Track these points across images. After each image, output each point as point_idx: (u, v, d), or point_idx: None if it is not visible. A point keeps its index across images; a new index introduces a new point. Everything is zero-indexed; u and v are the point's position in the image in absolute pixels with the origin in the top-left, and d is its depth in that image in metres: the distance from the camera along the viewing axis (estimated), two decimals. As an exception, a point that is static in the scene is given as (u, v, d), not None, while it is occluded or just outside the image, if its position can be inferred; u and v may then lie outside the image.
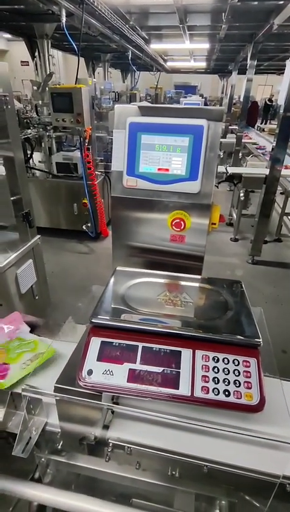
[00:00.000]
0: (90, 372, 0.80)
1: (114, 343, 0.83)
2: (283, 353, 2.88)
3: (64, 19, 3.80)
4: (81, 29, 3.80)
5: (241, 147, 7.15)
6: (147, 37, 6.20)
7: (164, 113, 1.10)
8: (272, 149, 3.75)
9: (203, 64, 10.81)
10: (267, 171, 4.01)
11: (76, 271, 4.06)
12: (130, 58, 7.47)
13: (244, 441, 0.84)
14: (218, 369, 0.79)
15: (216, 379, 0.78)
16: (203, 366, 0.79)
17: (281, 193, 5.12)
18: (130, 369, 0.79)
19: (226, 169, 4.82)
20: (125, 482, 1.11)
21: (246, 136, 7.80)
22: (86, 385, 0.79)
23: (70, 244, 4.73)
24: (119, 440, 1.01)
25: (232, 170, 4.84)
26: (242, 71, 7.64)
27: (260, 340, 0.82)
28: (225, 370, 0.79)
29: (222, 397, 0.76)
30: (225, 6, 3.99)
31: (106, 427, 1.01)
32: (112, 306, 0.94)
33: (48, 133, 4.60)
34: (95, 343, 0.84)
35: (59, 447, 1.09)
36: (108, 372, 0.79)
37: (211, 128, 1.07)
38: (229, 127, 8.86)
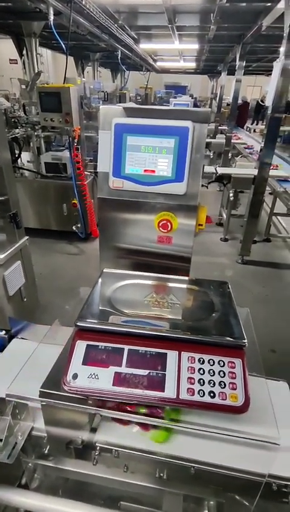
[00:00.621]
0: (75, 376, 0.79)
1: (100, 347, 0.82)
2: (272, 352, 2.91)
3: (52, 17, 3.77)
4: (69, 28, 3.77)
5: (230, 147, 7.21)
6: (136, 37, 6.19)
7: (150, 114, 1.10)
8: (261, 149, 3.79)
9: (192, 65, 10.86)
10: (256, 172, 4.05)
11: (65, 272, 4.03)
12: (119, 57, 7.45)
13: (230, 441, 0.84)
14: (203, 371, 0.79)
15: (202, 381, 0.78)
16: (189, 368, 0.79)
17: (269, 193, 5.18)
18: (115, 372, 0.79)
19: (216, 170, 4.86)
20: (113, 485, 1.10)
21: (235, 136, 7.86)
22: (70, 389, 0.78)
23: (59, 245, 4.68)
24: (106, 443, 1.00)
25: (221, 170, 4.87)
26: (231, 72, 7.71)
27: (245, 341, 0.82)
28: (211, 371, 0.79)
29: (207, 399, 0.76)
30: (213, 7, 4.02)
31: (93, 430, 1.01)
32: (98, 308, 0.93)
33: (36, 133, 4.54)
34: (81, 346, 0.83)
35: (46, 451, 1.08)
36: (93, 376, 0.79)
37: (197, 129, 1.07)
38: (219, 127, 8.90)
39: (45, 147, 4.85)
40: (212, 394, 0.76)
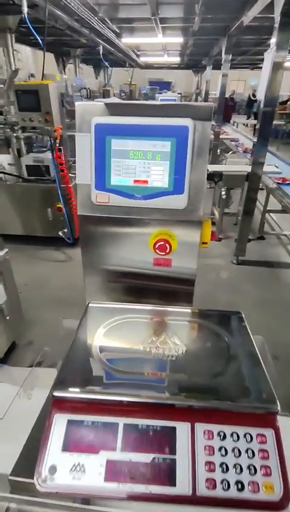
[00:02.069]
0: (53, 470, 0.58)
1: (85, 422, 0.62)
2: (275, 359, 2.76)
3: (25, 10, 3.49)
4: (45, 22, 3.51)
5: (219, 143, 7.06)
6: (118, 31, 5.94)
7: (139, 111, 0.88)
8: (254, 145, 3.62)
9: (177, 60, 10.64)
10: (248, 168, 3.89)
11: (53, 281, 3.79)
12: (101, 53, 7.17)
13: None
14: (225, 451, 0.60)
15: (224, 466, 0.58)
16: (207, 448, 0.60)
17: (260, 189, 5.05)
18: (108, 460, 0.58)
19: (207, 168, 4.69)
20: None
21: (223, 131, 7.73)
22: (47, 491, 0.57)
23: (46, 252, 4.44)
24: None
25: (212, 168, 4.69)
26: (216, 66, 7.53)
27: (277, 405, 0.63)
28: (235, 451, 0.60)
29: (233, 493, 0.56)
30: (198, -3, 3.82)
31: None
32: (82, 366, 0.72)
33: (15, 134, 4.27)
34: (60, 423, 0.62)
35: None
36: (78, 468, 0.58)
37: (198, 129, 0.86)
38: None
39: (26, 149, 4.58)
40: (239, 485, 0.57)
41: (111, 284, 1.12)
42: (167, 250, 0.95)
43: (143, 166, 0.90)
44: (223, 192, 4.54)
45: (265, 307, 3.42)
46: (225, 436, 0.61)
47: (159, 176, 0.90)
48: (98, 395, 0.64)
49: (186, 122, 0.85)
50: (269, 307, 3.42)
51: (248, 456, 0.59)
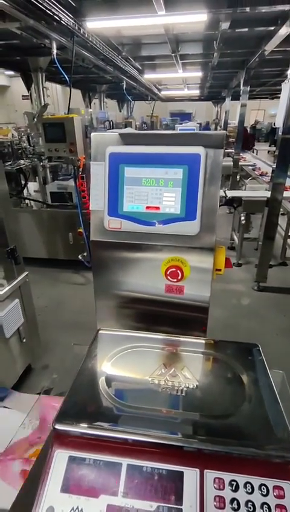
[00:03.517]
0: (50, 512, 0.54)
1: (87, 460, 0.58)
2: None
3: (55, 51, 3.82)
4: (72, 61, 3.79)
5: (238, 170, 7.13)
6: (140, 68, 6.31)
7: (152, 140, 0.91)
8: (273, 171, 3.62)
9: (196, 92, 11.08)
10: (267, 194, 3.87)
11: (71, 304, 3.82)
12: (124, 88, 7.61)
13: None
14: (238, 504, 0.53)
15: (237, 522, 0.52)
16: (217, 498, 0.54)
17: (281, 214, 4.97)
18: (108, 505, 0.54)
19: (225, 193, 4.70)
20: None
21: (243, 158, 7.84)
22: (42, 537, 0.53)
23: (66, 275, 4.53)
24: None
25: (231, 194, 4.71)
26: (235, 97, 7.77)
27: (296, 454, 0.56)
28: (249, 505, 0.53)
29: None
30: (216, 35, 4.01)
31: None
32: (87, 399, 0.69)
33: (42, 163, 4.53)
34: (60, 459, 0.59)
35: None
36: (76, 512, 0.54)
37: (210, 156, 0.87)
38: (226, 150, 9.07)
39: (52, 177, 4.83)
40: None
41: (122, 309, 1.10)
42: (179, 277, 0.93)
43: (155, 192, 0.90)
44: (242, 218, 4.50)
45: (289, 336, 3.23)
46: (237, 487, 0.55)
47: (171, 202, 0.90)
48: (102, 431, 0.60)
49: (198, 150, 0.85)
50: (293, 336, 3.23)
51: (264, 513, 0.53)
